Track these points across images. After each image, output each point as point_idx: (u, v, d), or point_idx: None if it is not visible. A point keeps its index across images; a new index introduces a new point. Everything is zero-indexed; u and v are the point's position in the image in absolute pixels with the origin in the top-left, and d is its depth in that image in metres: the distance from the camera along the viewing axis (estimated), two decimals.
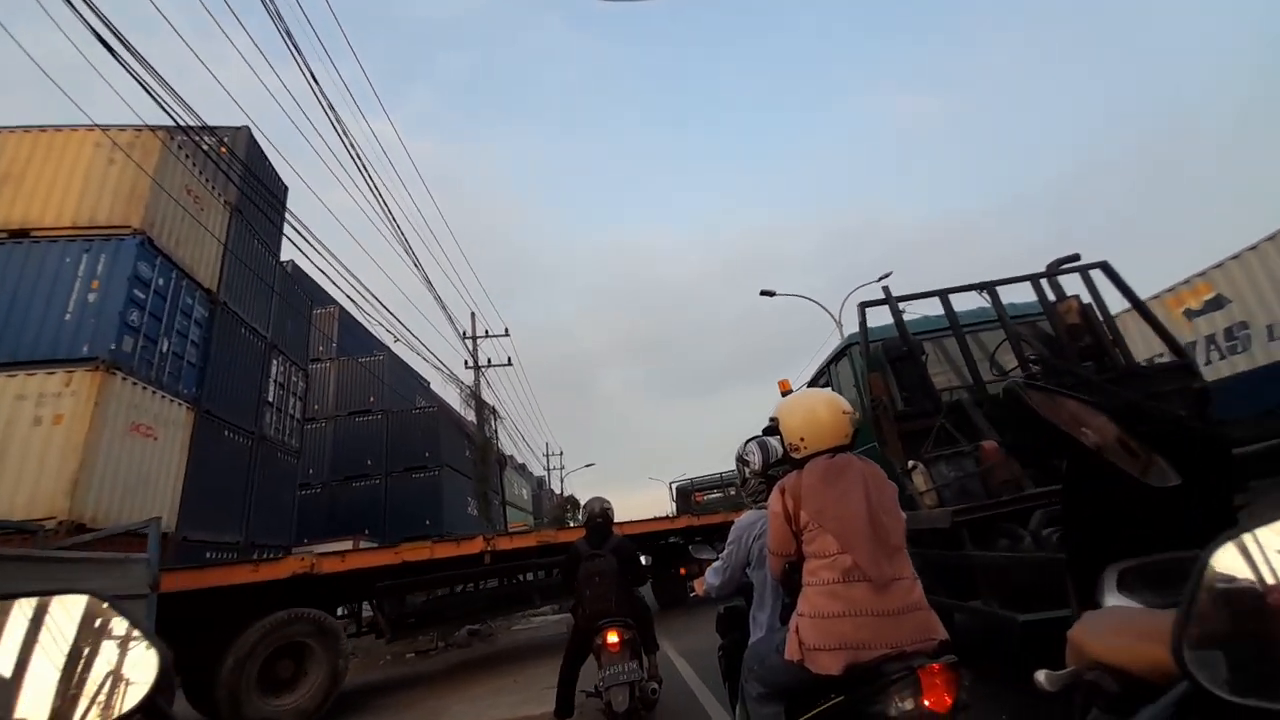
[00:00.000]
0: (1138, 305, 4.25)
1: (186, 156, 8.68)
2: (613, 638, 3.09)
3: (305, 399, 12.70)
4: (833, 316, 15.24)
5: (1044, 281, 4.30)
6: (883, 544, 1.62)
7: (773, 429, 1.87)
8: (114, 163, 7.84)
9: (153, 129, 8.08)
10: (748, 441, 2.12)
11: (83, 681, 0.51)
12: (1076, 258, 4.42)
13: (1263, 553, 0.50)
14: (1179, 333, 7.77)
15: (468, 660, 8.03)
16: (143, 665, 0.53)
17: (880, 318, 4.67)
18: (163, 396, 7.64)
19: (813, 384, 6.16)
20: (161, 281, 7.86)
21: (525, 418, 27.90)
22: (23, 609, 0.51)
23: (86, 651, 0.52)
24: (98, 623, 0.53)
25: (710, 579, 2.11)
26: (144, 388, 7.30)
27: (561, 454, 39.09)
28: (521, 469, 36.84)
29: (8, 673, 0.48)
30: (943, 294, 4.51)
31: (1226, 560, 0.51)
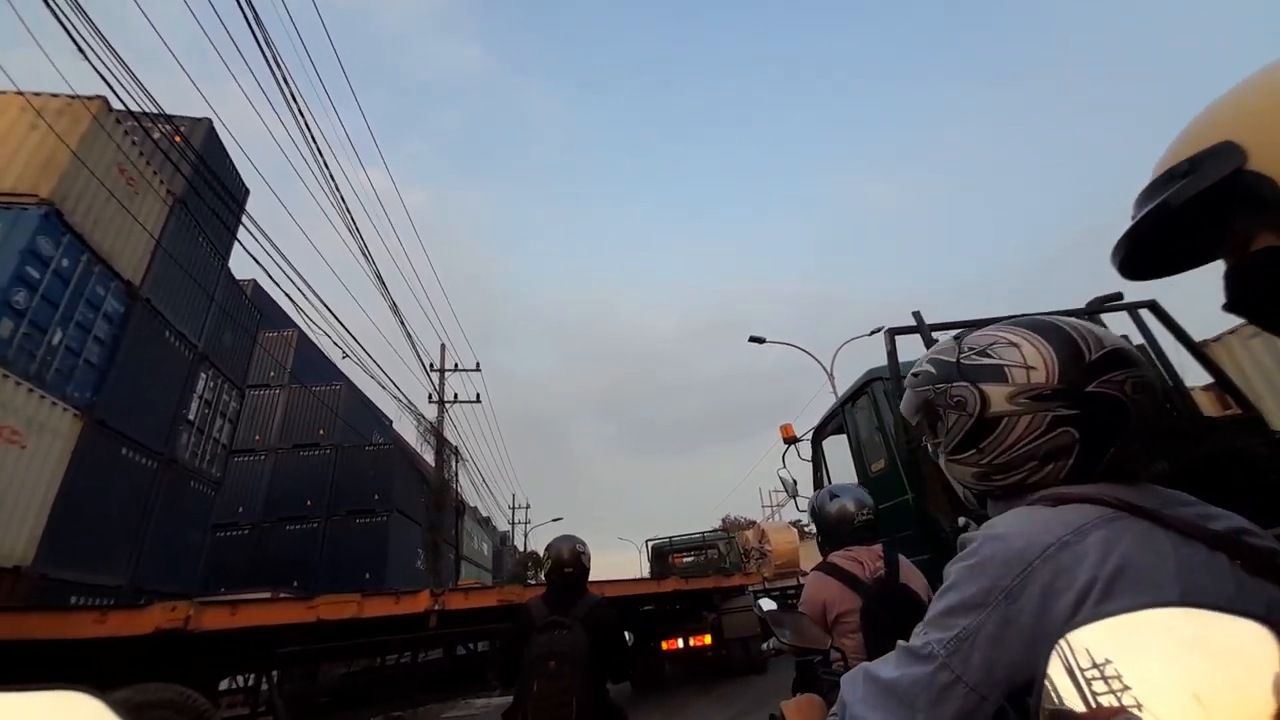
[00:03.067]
0: (1193, 349, 3.60)
1: (125, 134, 7.75)
2: None
3: (237, 423, 11.22)
4: (824, 367, 14.54)
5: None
6: None
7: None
8: (36, 128, 6.86)
9: (86, 100, 7.20)
10: (1006, 326, 0.77)
11: None
12: (1119, 296, 3.86)
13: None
14: None
15: None
16: None
17: (902, 353, 3.92)
18: (41, 397, 6.30)
19: (823, 427, 5.21)
20: (66, 263, 6.72)
21: (492, 464, 26.14)
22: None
23: None
24: None
25: (864, 712, 0.67)
26: (17, 383, 5.99)
27: (528, 507, 36.74)
28: (485, 523, 34.41)
29: None
30: (978, 327, 3.80)
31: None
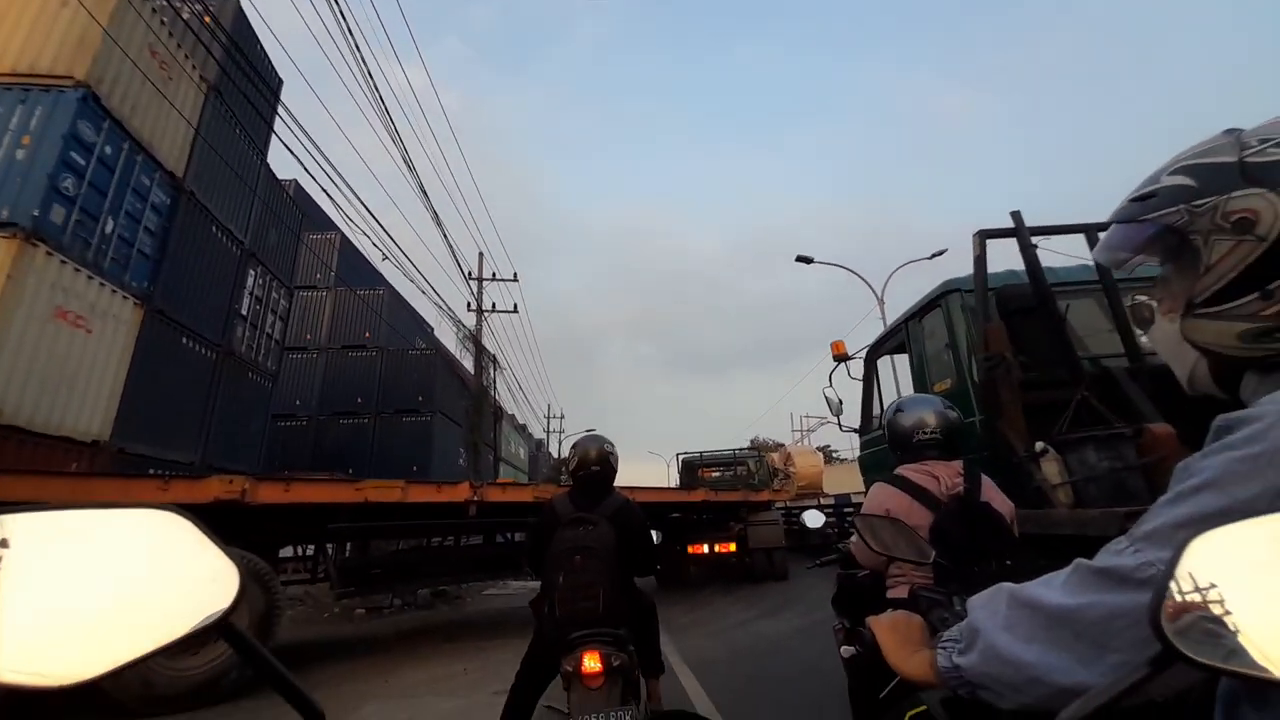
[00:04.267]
0: None
1: (153, 13, 7.41)
2: (592, 663, 1.81)
3: (288, 320, 11.62)
4: (874, 292, 13.84)
5: None
6: None
7: None
8: (66, 5, 6.59)
9: None
10: None
11: (157, 597, 0.47)
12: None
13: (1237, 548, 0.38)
14: None
15: (424, 627, 6.94)
16: (220, 584, 0.49)
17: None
18: (101, 284, 6.54)
19: (880, 344, 4.92)
20: (109, 150, 6.70)
21: (528, 375, 26.86)
22: (97, 520, 0.47)
23: (163, 568, 0.49)
24: (174, 539, 0.49)
25: (1011, 645, 0.53)
26: (76, 269, 6.21)
27: (562, 417, 38.16)
28: (522, 429, 36.04)
29: (78, 587, 0.44)
30: (1090, 230, 3.37)
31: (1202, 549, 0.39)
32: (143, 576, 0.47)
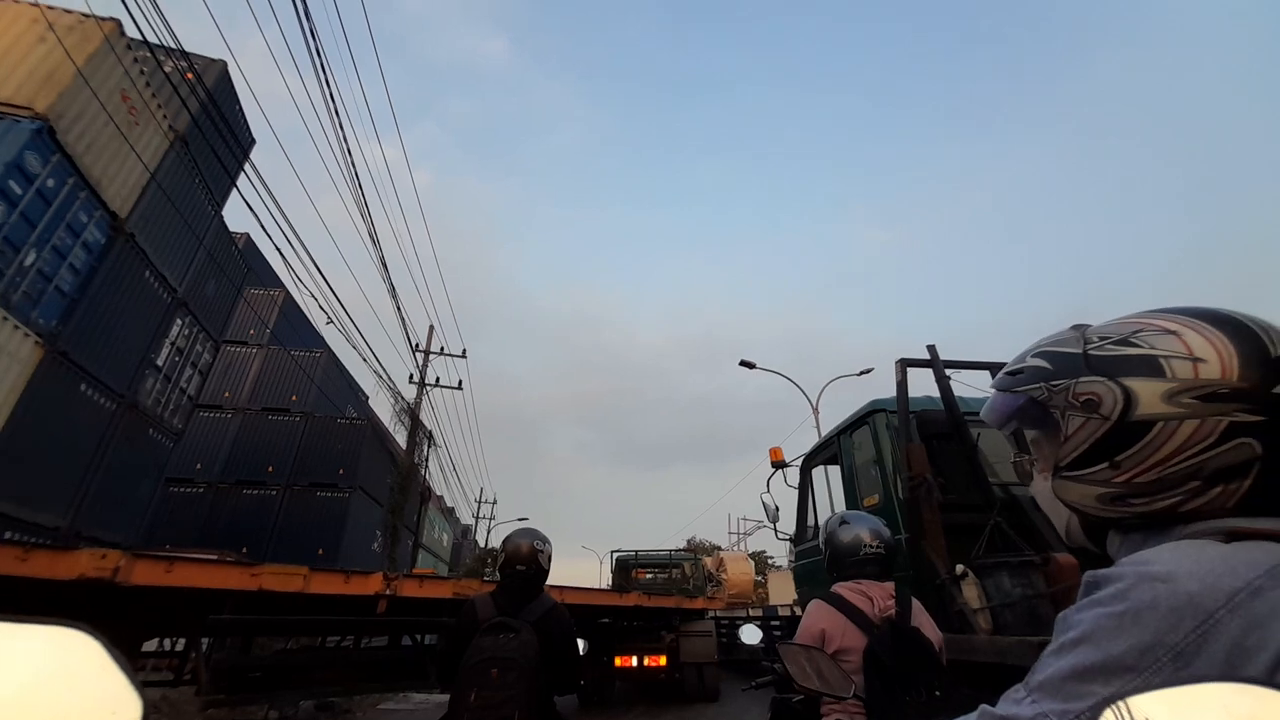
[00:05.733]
0: None
1: (135, 62, 7.50)
2: None
3: (207, 376, 10.82)
4: (810, 401, 14.49)
5: None
6: None
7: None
8: (44, 42, 6.61)
9: (100, 20, 6.98)
10: (1151, 313, 0.62)
11: None
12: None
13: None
14: None
15: None
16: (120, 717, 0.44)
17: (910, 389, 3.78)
18: (4, 318, 5.97)
19: (814, 455, 5.10)
20: (51, 183, 6.43)
21: (464, 455, 25.68)
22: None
23: (61, 694, 0.44)
24: (81, 662, 0.44)
25: None
26: None
27: (495, 503, 36.14)
28: (449, 513, 33.75)
29: None
30: (993, 368, 3.77)
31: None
32: (33, 706, 0.42)
